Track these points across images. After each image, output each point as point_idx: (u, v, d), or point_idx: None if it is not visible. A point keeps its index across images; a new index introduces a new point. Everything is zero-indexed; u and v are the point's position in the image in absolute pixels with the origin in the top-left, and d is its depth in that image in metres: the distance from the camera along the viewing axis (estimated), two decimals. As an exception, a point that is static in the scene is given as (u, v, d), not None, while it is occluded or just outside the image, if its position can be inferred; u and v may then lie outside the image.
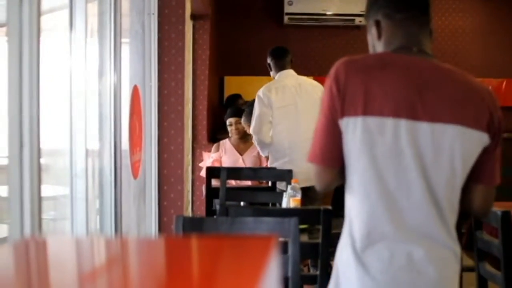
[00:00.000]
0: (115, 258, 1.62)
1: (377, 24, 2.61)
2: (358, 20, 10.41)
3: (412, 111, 2.39)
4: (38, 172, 2.95)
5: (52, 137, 3.83)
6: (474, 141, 2.44)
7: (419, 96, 2.41)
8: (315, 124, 5.81)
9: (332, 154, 2.48)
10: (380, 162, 2.40)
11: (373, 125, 2.39)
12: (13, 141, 2.88)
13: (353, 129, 2.41)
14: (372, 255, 2.41)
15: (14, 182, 2.89)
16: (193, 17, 7.57)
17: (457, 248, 2.48)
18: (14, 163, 2.88)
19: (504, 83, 10.35)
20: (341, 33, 10.74)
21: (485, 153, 2.47)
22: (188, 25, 6.20)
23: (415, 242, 2.41)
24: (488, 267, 4.03)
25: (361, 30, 10.70)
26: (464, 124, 2.41)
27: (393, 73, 2.45)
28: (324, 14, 10.43)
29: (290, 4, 10.32)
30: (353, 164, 2.45)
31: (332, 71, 2.48)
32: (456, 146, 2.40)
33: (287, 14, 10.38)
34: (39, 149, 2.96)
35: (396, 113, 2.39)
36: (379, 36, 2.61)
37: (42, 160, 3.08)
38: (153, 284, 1.35)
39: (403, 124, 2.39)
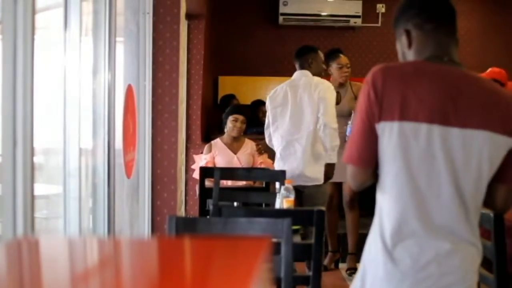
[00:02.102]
0: (108, 259, 1.62)
1: (408, 33, 2.73)
2: (353, 21, 10.43)
3: (444, 117, 2.54)
4: (31, 170, 2.94)
5: (45, 135, 3.83)
6: (500, 145, 2.60)
7: (451, 103, 2.56)
8: (303, 125, 5.86)
9: (368, 156, 2.62)
10: (413, 165, 2.55)
11: (409, 130, 2.54)
12: (7, 140, 2.88)
13: (389, 133, 2.56)
14: (402, 251, 2.56)
15: (7, 180, 2.88)
16: (188, 16, 7.56)
17: (479, 245, 2.64)
18: (7, 162, 2.87)
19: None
20: (336, 34, 10.75)
21: (510, 155, 2.62)
22: (183, 25, 6.20)
23: (442, 238, 2.56)
24: (481, 270, 4.03)
25: (355, 31, 10.73)
26: (492, 129, 2.57)
27: (427, 81, 2.59)
28: (319, 15, 10.43)
29: (285, 4, 10.33)
30: (387, 166, 2.60)
31: (370, 77, 2.60)
32: (484, 151, 2.56)
33: (282, 14, 10.38)
34: (32, 148, 2.95)
35: (430, 119, 2.54)
36: (410, 45, 2.73)
37: (35, 159, 3.07)
38: (146, 285, 1.35)
39: (436, 129, 2.54)
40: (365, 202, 4.93)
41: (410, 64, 2.71)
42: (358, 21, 10.43)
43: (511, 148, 2.61)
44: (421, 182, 2.55)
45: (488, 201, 2.70)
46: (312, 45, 6.60)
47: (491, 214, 3.69)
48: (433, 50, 2.68)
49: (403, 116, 2.53)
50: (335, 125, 6.04)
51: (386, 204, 2.62)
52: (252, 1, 10.67)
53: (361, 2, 10.36)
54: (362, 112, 2.61)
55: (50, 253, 1.66)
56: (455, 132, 2.54)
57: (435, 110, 2.54)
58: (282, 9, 10.37)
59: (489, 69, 8.16)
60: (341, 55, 7.05)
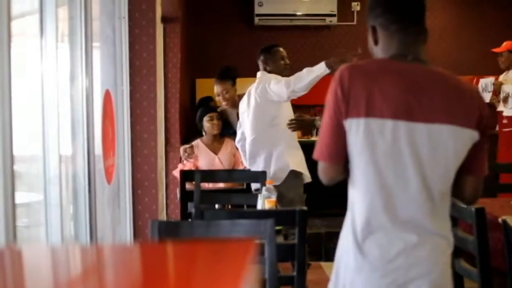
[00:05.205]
0: (91, 266, 1.61)
1: (374, 30, 2.81)
2: (328, 20, 10.43)
3: (409, 113, 2.62)
4: (11, 179, 2.92)
5: (24, 143, 3.80)
6: (465, 138, 2.67)
7: (415, 99, 2.63)
8: (257, 122, 5.87)
9: (337, 152, 2.70)
10: (380, 160, 2.63)
11: (375, 126, 2.62)
12: (-14, 149, 2.85)
13: (356, 129, 2.63)
14: (371, 244, 2.65)
15: (-13, 190, 2.86)
16: (164, 20, 7.54)
17: (449, 236, 2.72)
18: (-13, 171, 2.85)
19: (474, 81, 10.40)
20: (312, 33, 10.76)
21: (475, 147, 2.70)
22: (159, 28, 6.19)
23: (409, 231, 2.64)
24: (464, 264, 4.05)
25: (331, 29, 10.74)
26: (457, 123, 2.64)
27: (391, 78, 2.66)
28: (295, 15, 10.44)
29: (260, 5, 10.32)
30: (355, 161, 2.68)
31: (337, 76, 2.69)
32: (449, 144, 2.63)
33: (258, 15, 10.38)
34: (12, 156, 2.93)
35: (395, 115, 2.61)
36: (376, 42, 2.81)
37: (15, 167, 3.05)
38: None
39: (402, 125, 2.61)
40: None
41: (375, 63, 2.80)
42: (334, 20, 10.44)
43: (475, 140, 2.68)
44: (388, 177, 2.63)
45: (457, 193, 2.79)
46: (272, 44, 6.55)
47: (473, 209, 3.71)
48: (398, 49, 2.76)
49: (369, 112, 2.61)
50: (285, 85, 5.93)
51: (356, 199, 2.71)
52: (227, 3, 10.66)
53: (336, 0, 10.37)
54: (330, 109, 2.69)
55: (33, 262, 1.65)
56: (420, 127, 2.62)
57: (399, 106, 2.62)
58: (258, 10, 10.36)
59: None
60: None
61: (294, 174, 6.11)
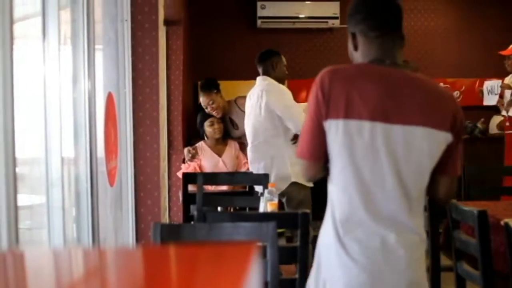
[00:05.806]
0: (93, 269, 1.61)
1: (353, 36, 2.95)
2: (331, 23, 10.43)
3: (386, 115, 2.74)
4: (14, 181, 2.92)
5: (27, 145, 3.80)
6: (439, 140, 2.79)
7: (392, 102, 2.75)
8: (259, 130, 5.97)
9: (317, 151, 2.84)
10: (358, 159, 2.76)
11: (353, 127, 2.75)
12: (-12, 151, 2.85)
13: (335, 130, 2.75)
14: (351, 239, 2.77)
15: (-11, 192, 2.86)
16: (166, 22, 7.54)
17: (423, 233, 2.86)
18: (-11, 173, 2.85)
19: (477, 83, 10.41)
20: (315, 35, 10.75)
21: (449, 149, 2.83)
22: (162, 31, 6.18)
23: (387, 228, 2.77)
24: (466, 267, 4.05)
25: (333, 32, 10.74)
26: (431, 126, 2.77)
27: (369, 82, 2.78)
28: (297, 17, 10.44)
29: (263, 8, 10.32)
30: (334, 160, 2.81)
31: (318, 79, 2.80)
32: (424, 145, 2.76)
33: (260, 17, 10.37)
34: (14, 158, 2.93)
35: (373, 117, 2.73)
36: (356, 47, 2.93)
37: (17, 169, 3.05)
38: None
39: (379, 126, 2.73)
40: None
41: (355, 67, 2.93)
42: (336, 23, 10.43)
43: (449, 142, 2.82)
44: (366, 175, 2.76)
45: (432, 192, 2.95)
46: (274, 50, 6.61)
47: (475, 211, 3.71)
48: (377, 54, 2.88)
49: (348, 114, 2.74)
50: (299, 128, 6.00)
51: (336, 196, 2.85)
52: (230, 6, 10.66)
53: (338, 3, 10.37)
54: (311, 111, 2.82)
55: (35, 265, 1.65)
56: (396, 129, 2.75)
57: (377, 109, 2.74)
58: (260, 12, 10.35)
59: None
60: None
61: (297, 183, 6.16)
